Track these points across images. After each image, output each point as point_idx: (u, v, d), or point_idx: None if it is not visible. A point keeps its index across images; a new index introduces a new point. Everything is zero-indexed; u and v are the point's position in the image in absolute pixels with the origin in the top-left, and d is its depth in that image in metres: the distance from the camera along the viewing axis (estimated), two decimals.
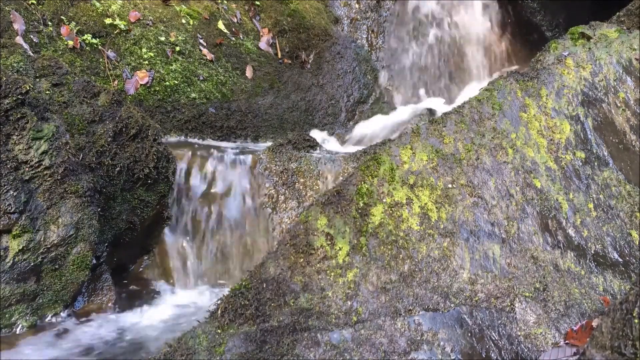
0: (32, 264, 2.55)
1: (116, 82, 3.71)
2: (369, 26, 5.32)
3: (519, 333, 2.20)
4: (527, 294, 2.28)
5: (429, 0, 5.46)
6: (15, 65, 2.91)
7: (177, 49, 4.03)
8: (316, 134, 4.33)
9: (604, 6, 4.44)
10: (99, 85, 3.06)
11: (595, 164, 2.77)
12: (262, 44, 4.57)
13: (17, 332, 2.55)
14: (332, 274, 2.10)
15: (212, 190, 3.33)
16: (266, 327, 1.95)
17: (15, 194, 2.50)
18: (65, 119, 2.81)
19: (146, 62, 3.87)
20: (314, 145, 3.70)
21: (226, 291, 2.08)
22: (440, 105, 4.74)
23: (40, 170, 2.58)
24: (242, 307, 2.00)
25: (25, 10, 3.53)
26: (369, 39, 5.28)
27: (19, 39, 3.37)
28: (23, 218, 2.53)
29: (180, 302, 3.03)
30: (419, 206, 2.30)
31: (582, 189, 2.67)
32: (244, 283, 2.05)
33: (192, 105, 3.97)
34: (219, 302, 2.04)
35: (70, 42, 3.60)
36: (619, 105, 2.99)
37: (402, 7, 5.45)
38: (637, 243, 2.64)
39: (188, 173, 3.33)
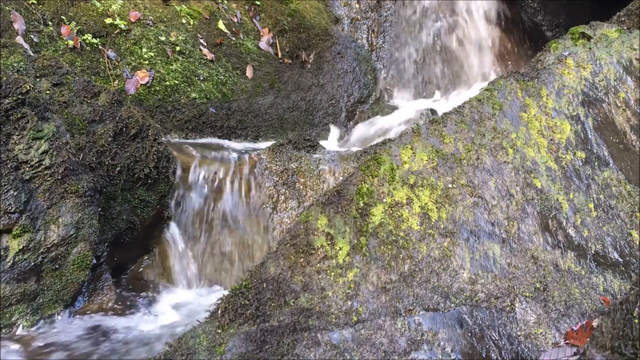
0: (32, 263, 2.55)
1: (116, 82, 3.71)
2: (370, 26, 5.31)
3: (519, 333, 2.20)
4: (527, 294, 2.28)
5: (429, 0, 5.46)
6: (15, 65, 2.91)
7: (178, 48, 4.03)
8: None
9: (604, 6, 4.43)
10: (99, 85, 3.06)
11: (596, 163, 2.77)
12: (263, 44, 4.57)
13: (17, 332, 2.55)
14: (332, 273, 2.10)
15: (212, 190, 3.32)
16: (266, 327, 1.95)
17: (15, 193, 2.50)
18: (65, 119, 2.81)
19: (146, 61, 3.87)
20: (314, 145, 3.69)
21: (226, 291, 2.08)
22: (440, 105, 4.74)
23: (41, 170, 2.58)
24: (242, 307, 2.00)
25: (25, 10, 3.53)
26: (370, 38, 5.28)
27: (19, 39, 3.37)
28: (23, 218, 2.53)
29: (180, 302, 3.03)
30: (419, 206, 2.30)
31: (583, 189, 2.66)
32: (244, 283, 2.05)
33: (193, 105, 3.97)
34: (219, 302, 2.04)
35: (71, 42, 3.60)
36: (619, 105, 2.99)
37: (403, 7, 5.45)
38: (638, 243, 2.64)
39: (188, 173, 3.33)
